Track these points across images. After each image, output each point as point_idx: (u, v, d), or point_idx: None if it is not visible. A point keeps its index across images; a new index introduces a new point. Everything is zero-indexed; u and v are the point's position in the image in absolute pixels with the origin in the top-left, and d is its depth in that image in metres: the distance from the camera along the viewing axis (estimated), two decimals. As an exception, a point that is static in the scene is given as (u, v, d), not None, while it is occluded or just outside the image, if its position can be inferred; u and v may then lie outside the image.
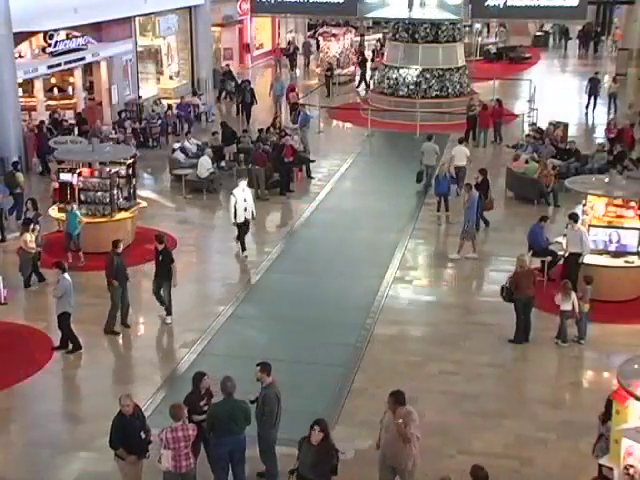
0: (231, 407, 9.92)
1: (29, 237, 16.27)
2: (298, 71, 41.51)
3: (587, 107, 33.18)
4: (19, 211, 19.75)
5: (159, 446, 9.55)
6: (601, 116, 32.17)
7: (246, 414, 10.00)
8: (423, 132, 28.65)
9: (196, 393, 10.33)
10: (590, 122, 32.24)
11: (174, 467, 9.50)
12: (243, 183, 18.11)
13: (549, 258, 16.55)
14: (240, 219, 17.81)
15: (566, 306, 14.15)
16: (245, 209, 17.82)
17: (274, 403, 10.15)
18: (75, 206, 17.62)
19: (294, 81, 36.50)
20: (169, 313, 14.98)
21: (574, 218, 15.93)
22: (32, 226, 16.48)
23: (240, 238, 18.07)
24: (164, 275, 14.81)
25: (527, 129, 27.94)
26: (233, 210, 17.72)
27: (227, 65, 36.07)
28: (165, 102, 30.95)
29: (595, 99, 33.12)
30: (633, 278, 16.03)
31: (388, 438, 9.76)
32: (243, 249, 18.09)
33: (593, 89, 33.18)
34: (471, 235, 17.99)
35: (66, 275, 13.79)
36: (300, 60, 43.20)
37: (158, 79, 35.72)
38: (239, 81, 33.48)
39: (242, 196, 17.79)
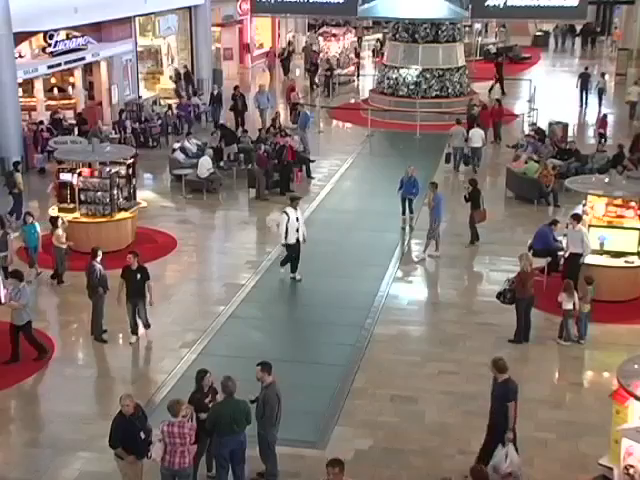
0: (232, 407, 9.93)
1: (60, 232, 16.47)
2: (298, 71, 41.30)
3: (580, 103, 33.86)
4: (18, 211, 19.78)
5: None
6: (593, 112, 32.66)
7: (247, 414, 10.01)
8: (423, 132, 28.87)
9: (200, 391, 10.34)
10: (583, 118, 32.72)
11: (168, 462, 9.51)
12: (297, 201, 16.97)
13: (549, 259, 16.53)
14: (291, 240, 16.55)
15: (568, 305, 14.17)
16: (297, 229, 16.58)
17: (274, 403, 10.16)
18: (33, 219, 16.86)
19: (292, 81, 36.45)
20: (147, 326, 14.35)
21: (576, 218, 15.91)
22: (60, 221, 16.79)
23: (291, 260, 16.81)
24: (140, 293, 14.06)
25: (527, 129, 27.97)
26: (285, 229, 16.46)
27: (185, 67, 35.12)
28: (164, 102, 30.98)
29: (586, 94, 33.89)
30: (633, 278, 16.04)
31: None
32: (294, 269, 16.81)
33: (584, 84, 33.95)
34: (435, 235, 18.04)
35: (25, 284, 13.63)
36: (299, 62, 43.05)
37: (158, 79, 35.74)
38: (217, 88, 31.85)
39: (294, 215, 16.58)
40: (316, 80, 37.71)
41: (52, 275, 16.69)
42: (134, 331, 14.30)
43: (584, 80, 34.03)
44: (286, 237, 16.53)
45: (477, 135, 25.02)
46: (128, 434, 9.72)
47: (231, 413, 9.89)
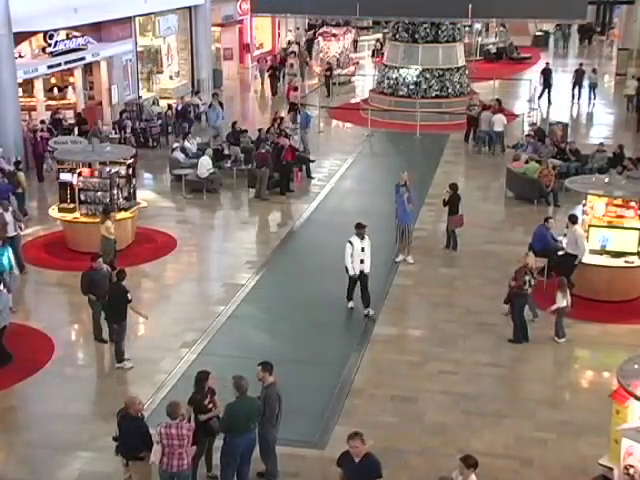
0: (247, 405, 9.92)
1: (109, 223, 16.56)
2: (297, 76, 39.43)
3: (573, 98, 34.68)
4: (22, 210, 19.78)
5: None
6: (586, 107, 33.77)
7: (259, 410, 10.03)
8: (423, 132, 28.90)
9: (201, 392, 10.28)
10: (577, 114, 33.46)
11: (167, 465, 9.50)
12: (362, 229, 15.31)
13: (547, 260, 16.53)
14: (354, 271, 15.23)
15: (562, 303, 14.22)
16: (362, 260, 15.20)
17: (275, 403, 10.15)
18: (3, 242, 15.70)
19: (293, 81, 36.35)
20: (121, 359, 13.51)
21: (573, 220, 15.93)
22: (112, 214, 16.90)
23: (349, 291, 15.50)
24: (122, 314, 13.43)
25: (527, 129, 28.03)
26: (350, 260, 15.14)
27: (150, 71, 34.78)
28: (163, 102, 30.94)
29: (580, 89, 34.79)
30: (633, 278, 16.04)
31: None
32: (366, 303, 15.39)
33: (578, 80, 34.76)
34: (408, 238, 17.96)
35: (2, 287, 13.57)
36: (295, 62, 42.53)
37: (158, 79, 35.75)
38: (181, 103, 30.08)
39: (359, 244, 15.22)
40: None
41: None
42: (120, 356, 13.60)
43: (578, 76, 34.83)
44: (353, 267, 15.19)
45: (499, 120, 26.86)
46: (143, 434, 9.76)
47: (247, 411, 9.89)
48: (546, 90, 34.35)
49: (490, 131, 26.88)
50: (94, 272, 14.14)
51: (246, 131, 26.02)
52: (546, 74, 34.90)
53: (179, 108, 29.39)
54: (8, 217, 16.96)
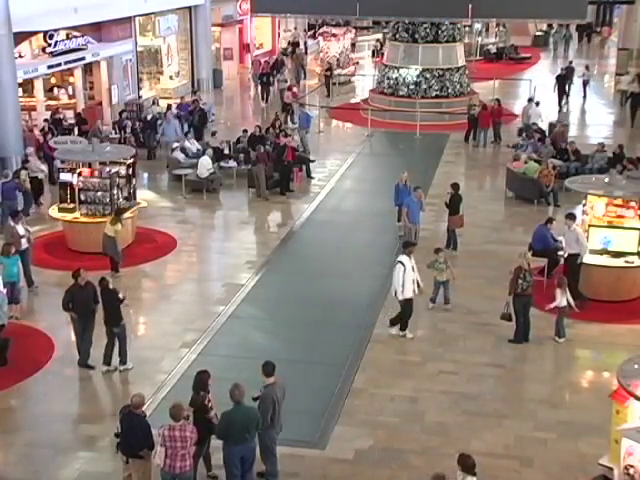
0: (243, 414, 9.81)
1: (120, 227, 16.66)
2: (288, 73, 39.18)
3: (567, 97, 34.91)
4: (27, 209, 19.79)
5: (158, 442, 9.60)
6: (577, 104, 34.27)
7: (257, 421, 9.87)
8: (423, 132, 28.90)
9: (204, 393, 10.23)
10: (568, 111, 33.78)
11: (168, 467, 9.49)
12: (411, 247, 14.81)
13: (547, 260, 16.52)
14: (408, 294, 14.37)
15: (563, 302, 14.23)
16: (413, 280, 14.44)
17: (269, 405, 10.05)
18: (15, 250, 15.26)
19: (292, 81, 36.23)
20: (125, 360, 13.49)
21: (571, 218, 15.91)
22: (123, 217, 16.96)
23: (404, 318, 14.64)
24: (116, 318, 13.32)
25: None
26: (401, 282, 14.28)
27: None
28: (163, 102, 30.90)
29: (569, 87, 35.21)
30: (633, 278, 16.04)
31: None
32: (404, 326, 14.66)
33: (568, 77, 35.03)
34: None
35: (1, 288, 13.56)
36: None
37: (158, 79, 35.75)
38: (151, 112, 28.43)
39: (410, 264, 14.40)
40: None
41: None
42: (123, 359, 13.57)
43: (568, 73, 35.16)
44: (402, 291, 14.40)
45: (536, 113, 28.05)
46: (145, 432, 9.79)
47: (241, 420, 9.78)
48: (562, 95, 34.45)
49: (528, 123, 27.32)
50: (77, 288, 13.48)
51: (246, 131, 25.94)
52: (560, 80, 34.70)
53: (149, 117, 27.69)
54: (21, 230, 16.34)
